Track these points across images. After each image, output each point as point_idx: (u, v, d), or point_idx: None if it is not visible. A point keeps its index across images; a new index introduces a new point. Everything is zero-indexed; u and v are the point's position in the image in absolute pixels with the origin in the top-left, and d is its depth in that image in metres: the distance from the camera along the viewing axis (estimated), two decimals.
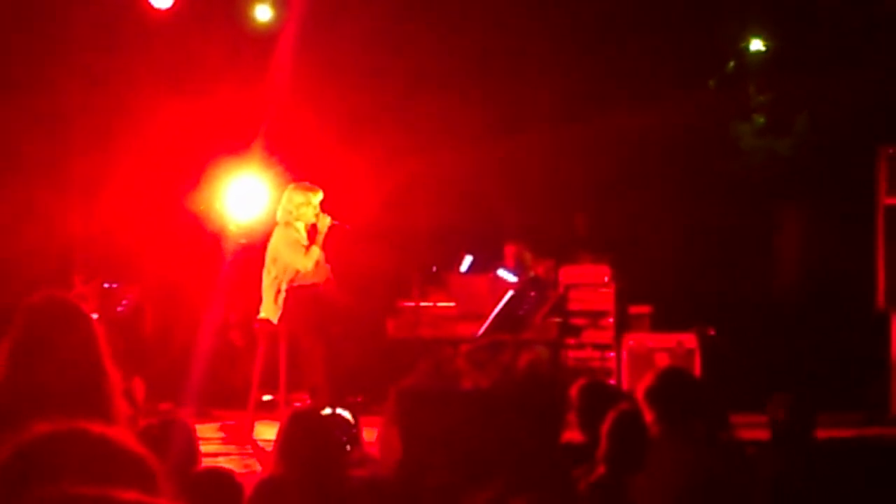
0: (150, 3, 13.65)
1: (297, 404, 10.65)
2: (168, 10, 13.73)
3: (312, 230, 10.87)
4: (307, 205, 10.78)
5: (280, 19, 14.35)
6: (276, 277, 10.77)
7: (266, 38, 14.23)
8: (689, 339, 12.47)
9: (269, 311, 10.80)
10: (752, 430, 8.11)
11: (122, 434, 2.05)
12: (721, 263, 14.28)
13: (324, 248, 10.81)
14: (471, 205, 14.60)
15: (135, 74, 13.75)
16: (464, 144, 14.15)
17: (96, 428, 2.03)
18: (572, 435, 6.88)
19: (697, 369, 12.04)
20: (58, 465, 1.95)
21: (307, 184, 10.95)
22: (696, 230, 14.44)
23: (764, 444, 7.36)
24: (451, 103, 14.27)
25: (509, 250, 13.65)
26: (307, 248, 10.72)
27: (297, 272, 10.70)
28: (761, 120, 14.81)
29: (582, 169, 14.51)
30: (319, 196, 10.81)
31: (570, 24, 14.51)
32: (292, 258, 10.68)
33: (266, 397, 11.12)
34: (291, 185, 11.00)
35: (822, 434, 7.68)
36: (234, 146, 13.15)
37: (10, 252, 12.60)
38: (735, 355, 12.67)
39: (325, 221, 10.74)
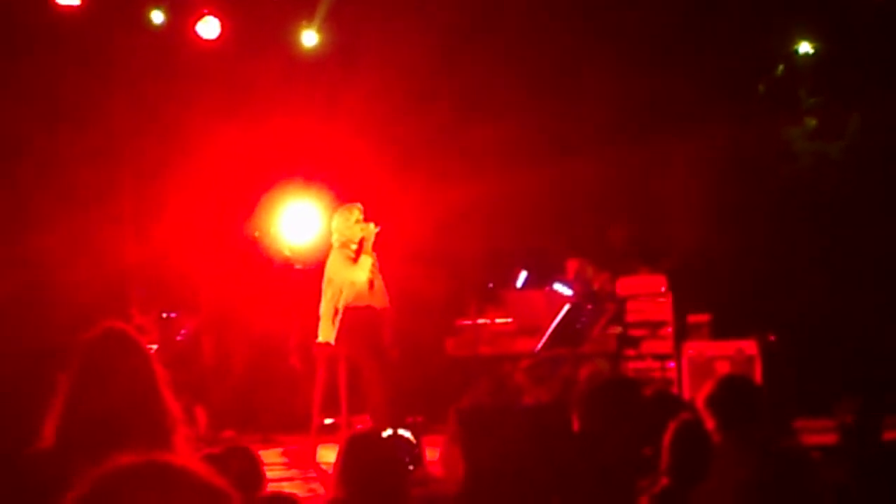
0: (198, 34, 13.78)
1: (359, 426, 10.65)
2: (217, 39, 13.83)
3: (363, 243, 10.97)
4: (348, 222, 10.94)
5: (326, 44, 14.40)
6: (331, 299, 10.83)
7: (318, 64, 14.28)
8: (750, 346, 12.35)
9: (328, 334, 10.84)
10: (819, 434, 8.06)
11: (200, 466, 2.04)
12: (779, 268, 14.15)
13: (381, 272, 10.89)
14: (524, 221, 14.55)
15: (187, 103, 13.83)
16: (516, 166, 14.10)
17: (176, 460, 2.03)
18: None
19: (758, 376, 11.93)
20: (138, 498, 1.95)
21: (347, 204, 11.12)
22: (752, 235, 14.32)
23: (831, 448, 7.29)
24: (502, 126, 14.24)
25: (571, 265, 13.58)
26: (355, 260, 10.82)
27: (353, 289, 10.74)
28: (813, 123, 14.69)
29: (636, 180, 14.43)
30: (356, 212, 10.98)
31: (617, 36, 14.44)
32: (345, 274, 10.76)
33: (328, 421, 11.13)
34: (337, 211, 11.16)
35: (890, 436, 7.61)
36: (287, 172, 13.21)
37: (65, 283, 12.66)
38: (797, 360, 12.53)
39: (369, 229, 10.85)
